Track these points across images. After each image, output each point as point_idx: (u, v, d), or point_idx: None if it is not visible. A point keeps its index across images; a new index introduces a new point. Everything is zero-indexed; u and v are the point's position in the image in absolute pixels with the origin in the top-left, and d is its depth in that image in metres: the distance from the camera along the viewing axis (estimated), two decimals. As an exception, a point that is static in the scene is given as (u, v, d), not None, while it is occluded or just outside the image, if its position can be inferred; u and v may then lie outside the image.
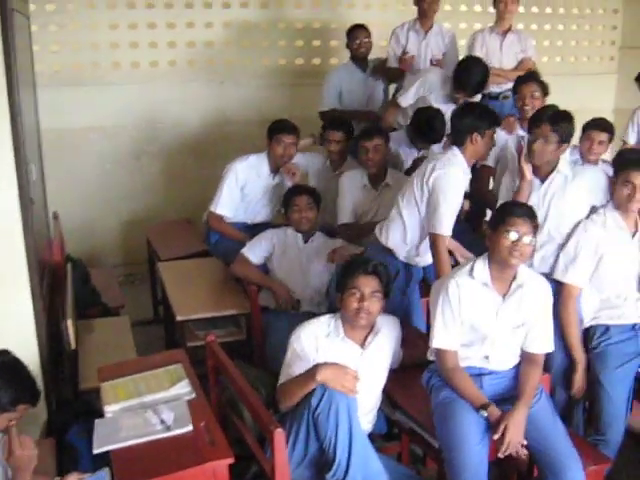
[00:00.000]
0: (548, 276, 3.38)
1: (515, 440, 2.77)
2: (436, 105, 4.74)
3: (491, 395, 2.95)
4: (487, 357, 3.01)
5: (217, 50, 6.17)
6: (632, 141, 5.30)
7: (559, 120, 3.47)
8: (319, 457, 2.77)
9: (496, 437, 2.77)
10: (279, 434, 2.54)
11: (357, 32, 5.33)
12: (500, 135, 4.18)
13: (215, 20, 6.10)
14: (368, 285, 2.92)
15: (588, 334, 3.47)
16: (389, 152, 4.48)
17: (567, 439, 2.87)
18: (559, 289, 3.43)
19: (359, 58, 5.39)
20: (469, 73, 4.55)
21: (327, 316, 3.06)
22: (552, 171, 3.52)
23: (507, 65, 5.29)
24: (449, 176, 3.61)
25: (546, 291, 3.03)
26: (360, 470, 2.68)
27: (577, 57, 7.44)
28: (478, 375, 3.01)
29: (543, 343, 3.01)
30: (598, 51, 7.54)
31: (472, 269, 2.96)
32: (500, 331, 2.97)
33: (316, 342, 2.95)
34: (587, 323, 3.48)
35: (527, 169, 3.49)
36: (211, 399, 3.16)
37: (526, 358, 3.02)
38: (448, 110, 4.53)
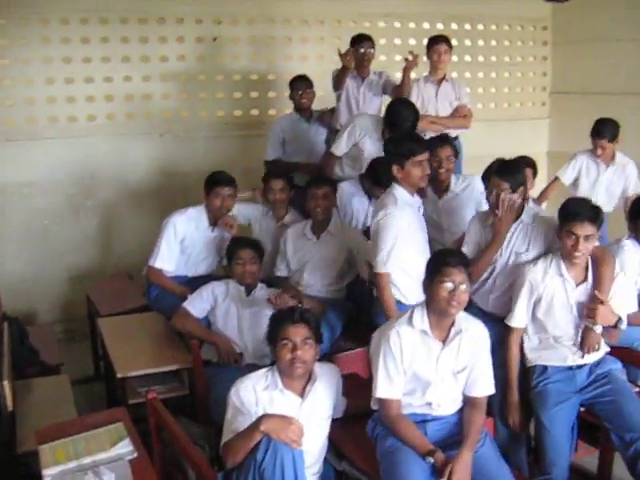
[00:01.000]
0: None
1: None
2: (371, 149, 4.83)
3: (436, 441, 2.96)
4: (430, 403, 3.03)
5: (155, 103, 6.18)
6: (567, 181, 5.47)
7: (506, 170, 3.67)
8: None
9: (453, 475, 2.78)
10: (222, 492, 2.50)
11: (299, 83, 5.42)
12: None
13: (153, 73, 6.11)
14: (298, 334, 2.91)
15: (528, 374, 3.53)
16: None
17: None
18: (504, 330, 3.54)
19: (302, 108, 5.45)
20: (400, 115, 4.62)
21: (264, 369, 3.04)
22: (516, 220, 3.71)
23: (443, 112, 5.40)
24: (380, 217, 3.81)
25: (484, 335, 3.08)
26: None
27: (510, 103, 7.64)
28: (422, 421, 3.02)
29: (484, 386, 3.05)
30: (530, 97, 7.75)
31: (411, 317, 3.00)
32: (441, 377, 3.00)
33: (255, 395, 2.92)
34: (528, 363, 3.55)
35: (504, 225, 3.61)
36: (154, 458, 3.09)
37: (468, 402, 3.05)
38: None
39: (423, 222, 4.05)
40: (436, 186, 4.50)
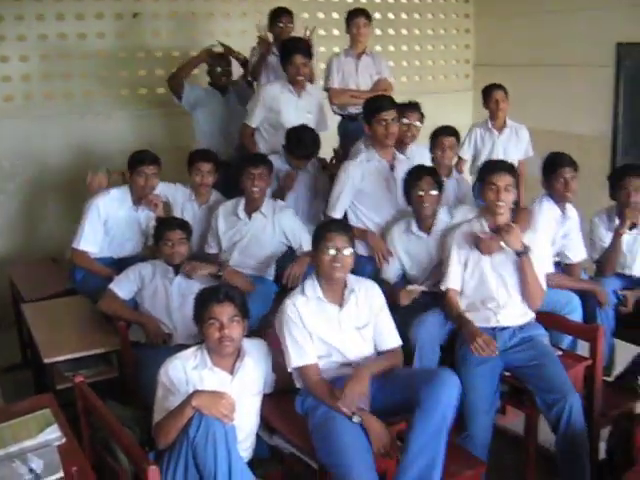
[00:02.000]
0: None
1: (357, 391, 2.93)
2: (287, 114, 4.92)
3: None
4: (349, 364, 3.15)
5: (75, 82, 6.02)
6: (467, 157, 5.59)
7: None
8: None
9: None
10: (153, 471, 2.48)
11: (219, 60, 5.44)
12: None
13: (71, 51, 5.94)
14: (224, 313, 2.92)
15: (455, 336, 3.65)
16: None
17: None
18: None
19: (220, 85, 5.45)
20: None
21: (193, 348, 3.03)
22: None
23: (363, 86, 5.41)
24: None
25: (377, 291, 3.28)
26: None
27: (434, 76, 7.72)
28: (339, 379, 3.09)
29: (391, 337, 3.24)
30: (454, 69, 7.85)
31: (303, 288, 3.17)
32: (348, 337, 3.15)
33: (185, 375, 2.92)
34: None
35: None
36: (83, 442, 3.05)
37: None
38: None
39: (393, 183, 4.24)
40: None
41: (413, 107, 4.64)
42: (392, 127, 4.15)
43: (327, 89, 5.42)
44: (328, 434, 2.93)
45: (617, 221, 4.17)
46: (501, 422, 4.32)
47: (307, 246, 4.22)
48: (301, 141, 4.62)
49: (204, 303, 2.97)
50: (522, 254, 3.51)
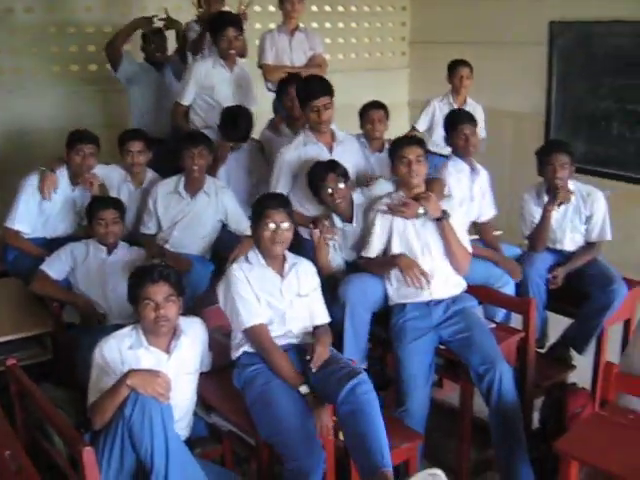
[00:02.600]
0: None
1: (326, 422, 2.94)
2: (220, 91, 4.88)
3: (297, 366, 3.13)
4: (290, 331, 3.22)
5: (4, 58, 5.84)
6: (422, 128, 5.65)
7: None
8: (137, 469, 2.70)
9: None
10: (88, 452, 2.45)
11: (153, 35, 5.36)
12: None
13: (-2, 26, 5.76)
14: (159, 292, 2.88)
15: (390, 313, 3.67)
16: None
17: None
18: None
19: (155, 61, 5.38)
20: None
21: (128, 328, 3.00)
22: None
23: (297, 63, 5.37)
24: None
25: (314, 270, 3.35)
26: (179, 476, 2.64)
27: (371, 53, 7.70)
28: (284, 351, 3.15)
29: (321, 314, 3.30)
30: (390, 47, 7.84)
31: (247, 257, 3.23)
32: (290, 303, 3.20)
33: (120, 355, 2.89)
34: (390, 303, 3.69)
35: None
36: (17, 426, 3.00)
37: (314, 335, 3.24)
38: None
39: None
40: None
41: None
42: (325, 114, 4.10)
43: (261, 66, 5.37)
44: (267, 405, 2.95)
45: (546, 197, 4.25)
46: (438, 395, 4.41)
47: (248, 229, 4.21)
48: (236, 124, 4.56)
49: (138, 283, 2.93)
50: (442, 219, 3.57)
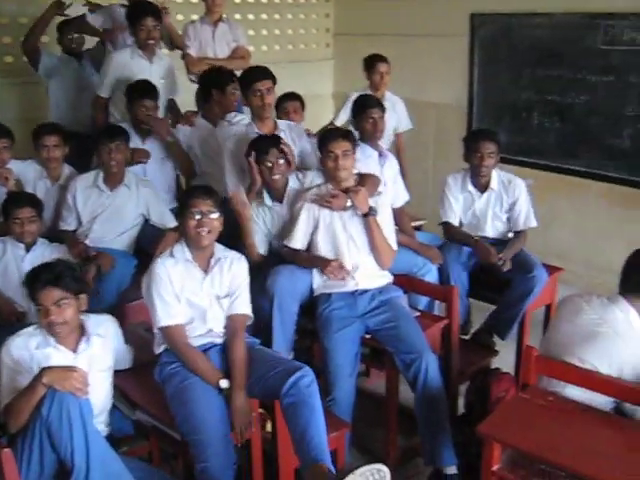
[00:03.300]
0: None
1: (244, 424, 2.90)
2: None
3: (219, 365, 3.10)
4: (210, 330, 3.16)
5: None
6: (339, 123, 5.68)
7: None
8: (57, 469, 2.63)
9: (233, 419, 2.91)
10: (6, 455, 2.41)
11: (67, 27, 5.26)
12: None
13: None
14: (48, 298, 2.79)
15: (316, 304, 3.67)
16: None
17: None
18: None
19: (73, 53, 5.27)
20: None
21: (32, 327, 2.92)
22: None
23: (221, 54, 5.34)
24: None
25: (243, 264, 3.27)
26: (100, 473, 2.59)
27: (295, 45, 7.67)
28: (204, 352, 3.11)
29: (243, 305, 3.21)
30: (314, 38, 7.81)
31: (172, 251, 3.16)
32: (209, 303, 3.14)
33: (29, 352, 2.82)
34: (315, 292, 3.69)
35: None
36: None
37: (230, 328, 3.17)
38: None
39: None
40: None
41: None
42: (268, 98, 4.10)
43: (184, 57, 5.30)
44: (185, 402, 2.93)
45: (470, 184, 4.31)
46: (366, 384, 4.45)
47: (170, 222, 4.19)
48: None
49: (29, 287, 2.84)
50: (368, 215, 3.59)
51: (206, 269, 3.18)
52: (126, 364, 3.19)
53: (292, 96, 4.72)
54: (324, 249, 3.69)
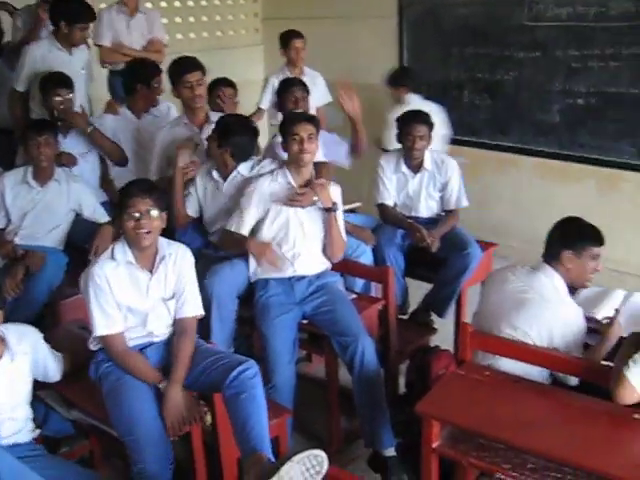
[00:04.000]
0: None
1: (176, 419, 2.84)
2: None
3: (157, 362, 3.02)
4: (151, 332, 3.05)
5: None
6: (264, 106, 5.68)
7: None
8: None
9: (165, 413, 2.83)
10: None
11: None
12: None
13: None
14: None
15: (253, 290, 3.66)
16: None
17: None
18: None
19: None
20: None
21: None
22: None
23: (136, 45, 5.28)
24: None
25: (188, 256, 3.11)
26: None
27: (223, 31, 7.58)
28: (142, 350, 3.03)
29: (193, 307, 3.09)
30: (242, 24, 7.73)
31: (113, 253, 2.97)
32: (153, 306, 3.01)
33: None
34: (252, 278, 3.67)
35: None
36: None
37: (178, 327, 3.07)
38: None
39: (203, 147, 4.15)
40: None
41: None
42: (198, 89, 4.08)
43: (98, 46, 5.21)
44: (119, 401, 2.87)
45: (403, 165, 4.32)
46: (308, 370, 4.45)
47: (103, 217, 4.12)
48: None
49: None
50: (330, 211, 3.57)
51: (151, 269, 3.01)
52: (56, 376, 3.09)
53: (226, 82, 4.68)
54: (267, 236, 3.66)
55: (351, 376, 3.46)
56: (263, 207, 3.65)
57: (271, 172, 3.73)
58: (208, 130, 4.12)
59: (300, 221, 3.62)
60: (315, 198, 3.58)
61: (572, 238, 3.08)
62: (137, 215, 2.88)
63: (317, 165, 3.80)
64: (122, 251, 2.97)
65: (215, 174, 3.93)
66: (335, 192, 3.69)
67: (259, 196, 3.65)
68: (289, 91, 4.34)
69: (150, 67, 4.62)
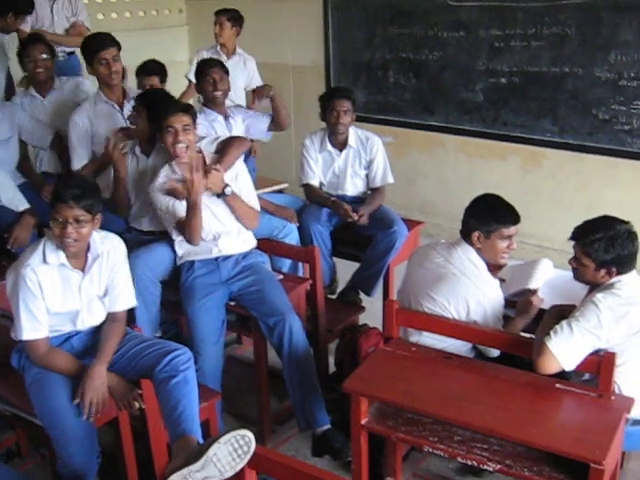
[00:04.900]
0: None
1: (95, 399, 2.77)
2: None
3: (80, 350, 2.95)
4: (75, 323, 2.95)
5: None
6: (194, 79, 5.63)
7: None
8: None
9: (76, 401, 2.76)
10: None
11: None
12: None
13: None
14: None
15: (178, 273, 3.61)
16: None
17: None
18: None
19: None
20: None
21: None
22: None
23: (59, 29, 5.19)
24: None
25: (120, 248, 3.02)
26: None
27: (146, 11, 7.43)
28: (67, 339, 2.96)
29: (125, 300, 3.03)
30: (166, 4, 7.58)
31: (44, 255, 2.82)
32: (87, 306, 2.94)
33: None
34: (178, 261, 3.62)
35: None
36: None
37: (109, 317, 3.01)
38: None
39: (123, 124, 4.09)
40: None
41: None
42: (114, 65, 4.02)
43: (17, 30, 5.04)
44: (42, 394, 2.80)
45: (328, 144, 4.33)
46: (238, 352, 4.44)
47: (22, 204, 4.02)
48: None
49: None
50: (222, 196, 3.52)
51: (83, 268, 2.90)
52: None
53: (150, 71, 4.61)
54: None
55: (280, 358, 3.46)
56: (166, 202, 3.55)
57: (165, 168, 3.61)
58: (128, 107, 4.06)
59: (206, 205, 3.52)
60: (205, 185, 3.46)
61: (481, 219, 3.12)
62: (63, 222, 2.73)
63: (226, 141, 3.70)
64: (54, 253, 2.82)
65: (138, 150, 3.82)
66: (237, 167, 3.65)
67: (158, 193, 3.55)
68: (206, 73, 4.26)
69: None
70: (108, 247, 2.95)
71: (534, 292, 3.18)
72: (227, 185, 3.51)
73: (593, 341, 2.74)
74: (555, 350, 2.72)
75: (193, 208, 3.38)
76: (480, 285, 3.09)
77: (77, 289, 2.89)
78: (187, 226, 3.45)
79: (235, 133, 4.24)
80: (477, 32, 5.56)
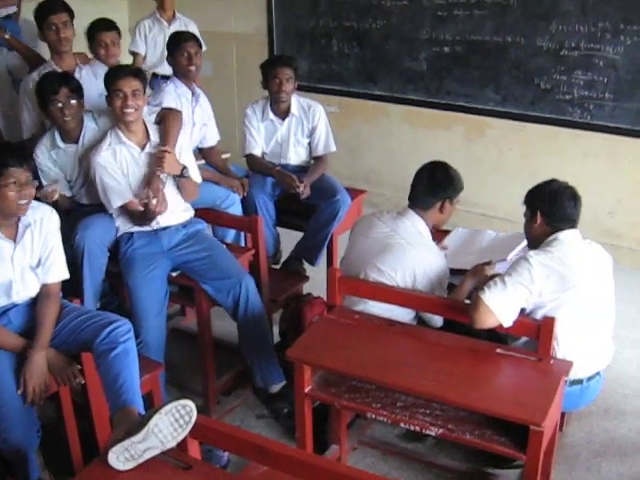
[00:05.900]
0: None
1: (38, 385, 2.74)
2: None
3: (18, 325, 2.88)
4: (10, 295, 2.88)
5: None
6: (142, 50, 5.54)
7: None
8: None
9: (20, 391, 2.72)
10: None
11: None
12: None
13: None
14: None
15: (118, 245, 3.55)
16: None
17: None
18: None
19: None
20: None
21: None
22: None
23: None
24: None
25: (55, 218, 2.97)
26: None
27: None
28: (4, 313, 2.88)
29: (59, 271, 2.98)
30: (105, -27, 7.42)
31: None
32: (20, 276, 2.87)
33: None
34: (118, 233, 3.56)
35: None
36: None
37: (42, 291, 2.94)
38: None
39: None
40: None
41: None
42: (65, 31, 3.87)
43: None
44: None
45: (270, 112, 4.28)
46: (182, 324, 4.41)
47: None
48: None
49: None
50: (181, 177, 3.47)
51: (14, 237, 2.84)
52: None
53: (107, 25, 4.38)
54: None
55: (235, 320, 3.48)
56: (110, 169, 3.45)
57: (104, 140, 3.50)
58: (83, 73, 3.96)
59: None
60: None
61: (446, 188, 3.20)
62: (15, 187, 2.70)
63: (164, 114, 3.63)
64: None
65: (60, 142, 3.66)
66: (183, 138, 3.58)
67: (100, 162, 3.45)
68: (181, 46, 4.10)
69: None
70: (40, 215, 2.90)
71: (489, 262, 3.20)
72: (185, 167, 3.46)
73: (526, 295, 2.81)
74: (490, 303, 2.77)
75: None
76: (427, 255, 3.12)
77: (9, 259, 2.83)
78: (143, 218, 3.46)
79: (198, 116, 4.20)
80: (421, 1, 5.54)
